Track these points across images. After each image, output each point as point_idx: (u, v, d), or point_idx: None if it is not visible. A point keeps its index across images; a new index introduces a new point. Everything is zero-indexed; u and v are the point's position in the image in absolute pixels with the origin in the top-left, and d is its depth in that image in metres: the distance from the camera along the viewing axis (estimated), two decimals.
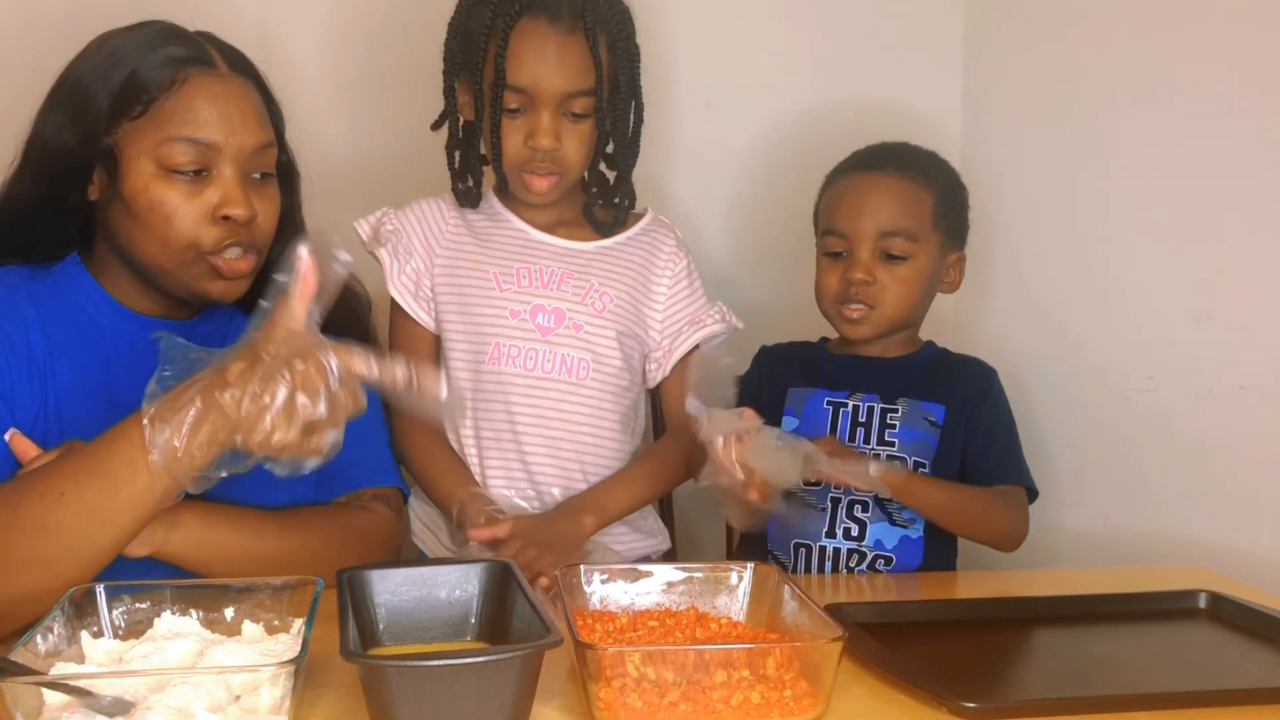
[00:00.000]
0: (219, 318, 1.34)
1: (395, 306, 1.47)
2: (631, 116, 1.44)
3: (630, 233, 1.50)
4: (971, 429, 1.48)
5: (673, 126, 1.88)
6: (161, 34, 1.24)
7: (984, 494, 1.45)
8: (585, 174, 1.46)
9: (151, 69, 1.20)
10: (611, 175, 1.50)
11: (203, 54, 1.23)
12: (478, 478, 1.45)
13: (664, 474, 1.48)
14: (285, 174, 1.33)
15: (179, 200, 1.20)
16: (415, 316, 1.46)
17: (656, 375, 1.51)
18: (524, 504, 1.42)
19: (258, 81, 1.28)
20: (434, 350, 1.48)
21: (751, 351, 1.62)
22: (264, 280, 1.31)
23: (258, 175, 1.25)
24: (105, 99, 1.20)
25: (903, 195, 1.48)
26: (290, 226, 1.36)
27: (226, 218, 1.21)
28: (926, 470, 1.46)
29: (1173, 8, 1.62)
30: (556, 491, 1.43)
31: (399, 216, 1.47)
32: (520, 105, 1.35)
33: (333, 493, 1.33)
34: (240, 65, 1.26)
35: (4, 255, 1.27)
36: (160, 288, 1.27)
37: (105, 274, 1.28)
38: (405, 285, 1.45)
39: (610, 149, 1.45)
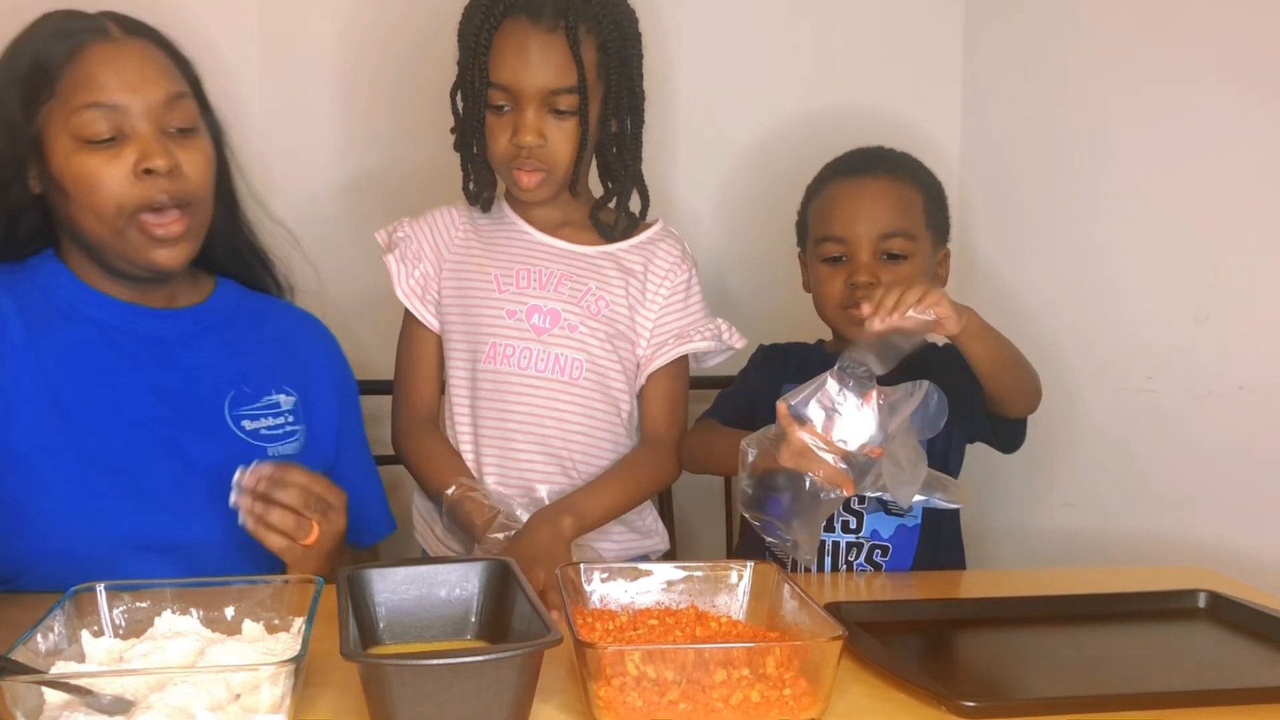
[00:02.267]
0: (221, 311, 1.35)
1: (405, 311, 1.50)
2: (631, 117, 1.45)
3: (636, 240, 1.50)
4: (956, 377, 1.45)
5: (671, 128, 1.88)
6: (54, 16, 1.27)
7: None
8: (577, 172, 1.45)
9: (48, 48, 1.23)
10: (617, 175, 1.50)
11: (95, 24, 1.25)
12: (474, 473, 1.45)
13: (639, 484, 1.46)
14: (216, 148, 1.33)
15: (99, 166, 1.21)
16: (421, 319, 1.48)
17: (636, 384, 1.50)
18: (509, 493, 1.43)
19: (159, 40, 1.28)
20: (438, 353, 1.50)
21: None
22: (223, 242, 1.35)
23: (177, 129, 1.25)
24: (16, 90, 1.23)
25: (897, 196, 1.49)
26: (230, 201, 1.37)
27: (149, 171, 1.21)
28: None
29: (1171, 11, 1.62)
30: (544, 490, 1.44)
31: (413, 225, 1.50)
32: (505, 102, 1.38)
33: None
34: (136, 28, 1.27)
35: None
36: (118, 270, 1.27)
37: (78, 268, 1.29)
38: (412, 288, 1.48)
39: (610, 147, 1.47)
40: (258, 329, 1.38)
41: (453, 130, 1.47)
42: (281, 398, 1.34)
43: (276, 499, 1.14)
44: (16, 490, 1.19)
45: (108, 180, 1.20)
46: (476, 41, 1.37)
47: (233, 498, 1.15)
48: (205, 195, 1.27)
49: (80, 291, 1.28)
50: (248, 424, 1.31)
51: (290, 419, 1.34)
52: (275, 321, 1.40)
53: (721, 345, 1.50)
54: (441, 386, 1.52)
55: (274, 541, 1.15)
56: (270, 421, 1.32)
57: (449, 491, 1.37)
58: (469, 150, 1.46)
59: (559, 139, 1.39)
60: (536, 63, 1.36)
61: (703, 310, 1.52)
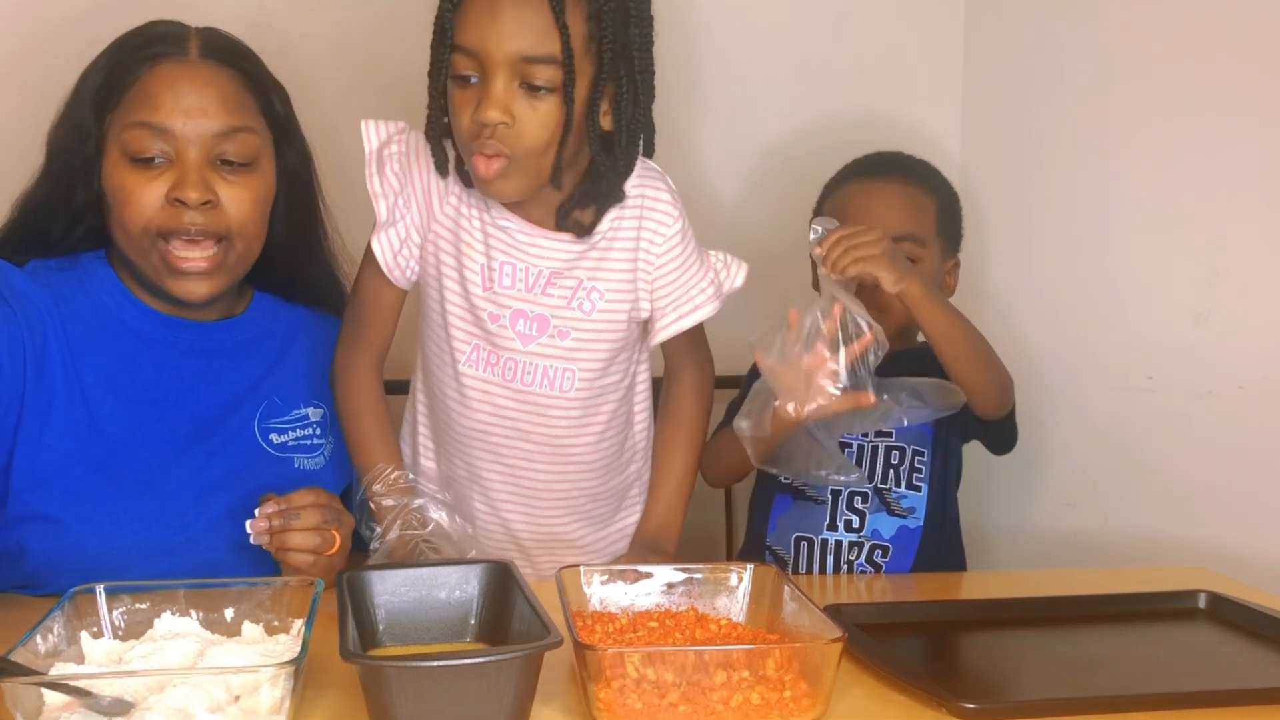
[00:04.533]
0: (258, 323, 1.35)
1: (369, 255, 1.32)
2: (630, 111, 1.24)
3: (627, 188, 1.31)
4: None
5: (672, 131, 1.87)
6: (150, 28, 1.26)
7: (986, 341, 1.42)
8: (558, 163, 1.22)
9: (126, 58, 1.23)
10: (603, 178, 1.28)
11: (177, 43, 1.24)
12: (433, 476, 1.39)
13: (695, 446, 1.42)
14: (291, 181, 1.32)
15: (137, 184, 1.20)
16: (389, 275, 1.31)
17: (654, 340, 1.36)
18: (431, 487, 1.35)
19: (242, 70, 1.27)
20: (396, 309, 1.35)
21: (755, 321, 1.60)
22: (288, 273, 1.35)
23: (229, 162, 1.23)
24: (91, 94, 1.23)
25: (909, 201, 1.50)
26: (306, 235, 1.37)
27: (180, 201, 1.20)
28: (925, 459, 1.48)
29: (1170, 13, 1.62)
30: (517, 519, 1.38)
31: (408, 155, 1.29)
32: (471, 72, 1.18)
33: None
34: (219, 52, 1.26)
35: (28, 254, 1.28)
36: (151, 288, 1.27)
37: (123, 272, 1.30)
38: (389, 241, 1.29)
39: (598, 144, 1.25)
40: (293, 341, 1.38)
41: (425, 135, 1.30)
42: (310, 411, 1.35)
43: (294, 527, 1.15)
44: (47, 505, 1.20)
45: (141, 199, 1.20)
46: (446, 1, 1.19)
47: (252, 540, 1.16)
48: (245, 232, 1.25)
49: (125, 301, 1.28)
50: (275, 438, 1.32)
51: (317, 431, 1.35)
52: (309, 334, 1.40)
53: (721, 299, 1.36)
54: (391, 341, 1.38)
55: (299, 560, 1.16)
56: (298, 433, 1.33)
57: (370, 474, 1.29)
58: (437, 139, 1.26)
59: (530, 121, 1.17)
60: (509, 23, 1.15)
61: (699, 256, 1.36)
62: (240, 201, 1.23)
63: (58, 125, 1.27)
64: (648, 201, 1.32)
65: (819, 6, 1.96)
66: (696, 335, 1.41)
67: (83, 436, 1.22)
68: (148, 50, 1.23)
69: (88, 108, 1.23)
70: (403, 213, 1.30)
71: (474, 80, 1.18)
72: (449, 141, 1.27)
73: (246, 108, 1.25)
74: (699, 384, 1.43)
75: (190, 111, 1.20)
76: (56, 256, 1.29)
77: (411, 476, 1.32)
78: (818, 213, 1.59)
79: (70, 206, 1.26)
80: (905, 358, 1.54)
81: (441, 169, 1.28)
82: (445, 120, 1.24)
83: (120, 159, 1.21)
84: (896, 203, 1.49)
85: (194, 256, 1.22)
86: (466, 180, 1.27)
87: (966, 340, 1.37)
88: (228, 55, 1.26)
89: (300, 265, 1.39)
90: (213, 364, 1.31)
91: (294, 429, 1.33)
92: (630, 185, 1.31)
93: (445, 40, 1.18)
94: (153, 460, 1.24)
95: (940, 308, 1.36)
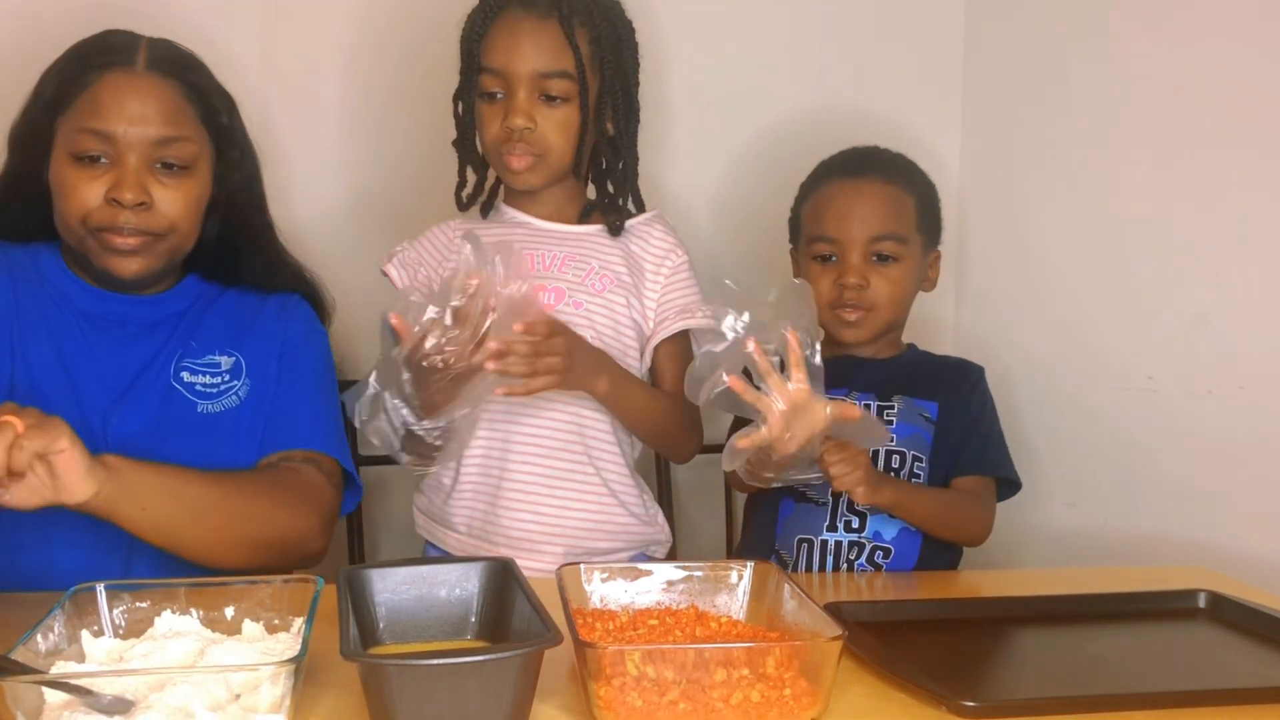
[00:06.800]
0: (177, 303, 1.41)
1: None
2: (626, 120, 1.47)
3: (631, 222, 1.51)
4: (959, 422, 1.50)
5: (669, 126, 1.88)
6: (104, 36, 1.36)
7: (963, 499, 1.48)
8: (577, 159, 1.46)
9: (79, 66, 1.33)
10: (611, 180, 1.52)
11: (126, 53, 1.33)
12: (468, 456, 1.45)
13: (672, 408, 1.48)
14: (232, 185, 1.40)
15: (78, 181, 1.30)
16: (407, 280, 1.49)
17: (644, 364, 1.50)
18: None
19: (186, 80, 1.35)
20: None
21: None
22: (208, 258, 1.41)
23: (166, 165, 1.32)
24: (45, 97, 1.33)
25: (890, 199, 1.50)
26: (250, 234, 1.44)
27: (116, 201, 1.29)
28: (924, 464, 1.48)
29: (1170, 12, 1.62)
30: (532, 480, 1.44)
31: (411, 242, 1.53)
32: (497, 89, 1.42)
33: (266, 449, 1.37)
34: (164, 65, 1.34)
35: None
36: (97, 274, 1.35)
37: (68, 258, 1.38)
38: (402, 276, 1.50)
39: (605, 151, 1.48)
40: (213, 303, 1.44)
41: (453, 144, 1.49)
42: (222, 359, 1.40)
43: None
44: None
45: (80, 195, 1.29)
46: (472, 32, 1.43)
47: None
48: (178, 229, 1.34)
49: (67, 280, 1.37)
50: (186, 376, 1.37)
51: (226, 378, 1.39)
52: (231, 296, 1.45)
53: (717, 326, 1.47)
54: None
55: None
56: (207, 379, 1.38)
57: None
58: (467, 149, 1.48)
59: (550, 125, 1.41)
60: (528, 46, 1.40)
61: (699, 296, 1.51)
62: (173, 202, 1.32)
63: (18, 123, 1.36)
64: (655, 234, 1.51)
65: (819, 6, 1.96)
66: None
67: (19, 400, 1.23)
68: (99, 59, 1.32)
69: (43, 109, 1.33)
70: (415, 268, 1.49)
71: (499, 96, 1.42)
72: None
73: (185, 118, 1.34)
74: (688, 408, 1.49)
75: (132, 119, 1.30)
76: (14, 242, 1.39)
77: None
78: (796, 212, 1.59)
79: (22, 199, 1.36)
80: (896, 364, 1.55)
81: (460, 200, 1.50)
82: (470, 136, 1.47)
83: (65, 158, 1.31)
84: (877, 203, 1.50)
85: (127, 239, 1.31)
86: (483, 210, 1.53)
87: (945, 518, 1.46)
88: (173, 66, 1.35)
89: (249, 256, 1.45)
90: (137, 331, 1.38)
91: (204, 373, 1.38)
92: (645, 217, 1.51)
93: (474, 63, 1.43)
94: (79, 428, 1.19)
95: (915, 501, 1.43)
